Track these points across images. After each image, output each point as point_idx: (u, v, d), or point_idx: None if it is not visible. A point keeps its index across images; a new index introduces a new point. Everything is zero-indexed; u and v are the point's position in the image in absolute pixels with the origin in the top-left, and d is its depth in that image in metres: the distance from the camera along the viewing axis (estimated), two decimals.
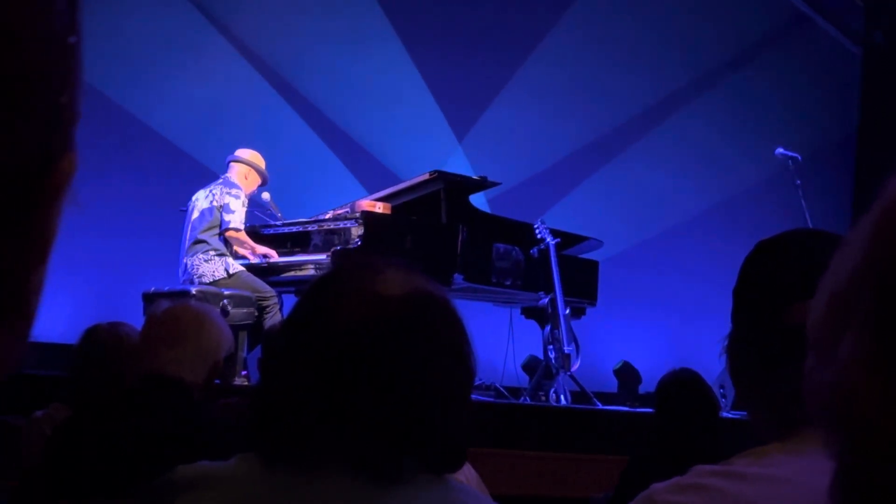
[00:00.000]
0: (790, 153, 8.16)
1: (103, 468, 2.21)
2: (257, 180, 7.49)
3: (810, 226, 7.65)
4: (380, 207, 7.25)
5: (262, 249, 7.31)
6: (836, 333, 0.62)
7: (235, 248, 7.28)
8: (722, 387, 7.32)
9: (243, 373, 6.84)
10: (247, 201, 7.32)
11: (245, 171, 7.44)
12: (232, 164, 7.49)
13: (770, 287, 1.48)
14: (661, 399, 4.37)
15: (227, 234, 7.17)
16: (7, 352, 0.53)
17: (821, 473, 0.67)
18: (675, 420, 4.28)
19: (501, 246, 7.53)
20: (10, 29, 0.49)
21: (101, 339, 3.71)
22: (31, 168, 0.51)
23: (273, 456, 1.42)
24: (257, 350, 7.00)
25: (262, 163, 7.53)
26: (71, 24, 0.54)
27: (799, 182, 8.02)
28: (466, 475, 2.72)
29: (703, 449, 4.03)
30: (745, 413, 1.59)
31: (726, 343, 1.55)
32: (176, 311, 2.82)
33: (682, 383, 4.34)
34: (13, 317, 0.52)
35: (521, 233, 7.72)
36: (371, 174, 9.62)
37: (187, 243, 7.24)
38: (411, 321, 1.41)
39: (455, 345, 1.44)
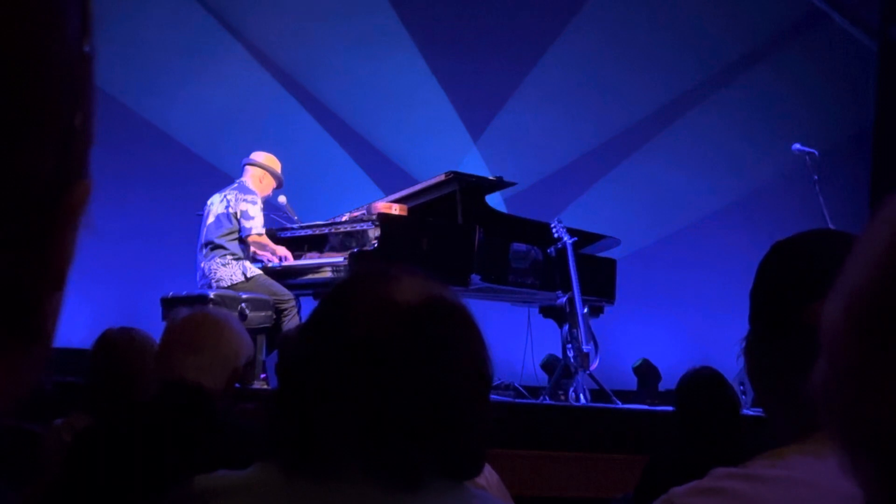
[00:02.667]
0: (807, 149, 8.12)
1: (123, 477, 2.22)
2: (272, 183, 7.49)
3: (828, 221, 7.63)
4: (396, 209, 7.25)
5: (281, 251, 7.33)
6: (854, 344, 0.61)
7: (255, 250, 7.29)
8: (742, 384, 7.29)
9: (262, 376, 6.85)
10: (262, 205, 7.33)
11: (260, 174, 7.44)
12: (247, 167, 7.48)
13: (787, 288, 1.48)
14: (682, 397, 4.36)
15: (250, 239, 7.18)
16: (24, 375, 0.53)
17: (839, 476, 0.67)
18: (695, 418, 4.27)
19: (518, 246, 7.52)
20: (18, 45, 0.48)
21: (112, 345, 3.72)
22: (45, 195, 0.50)
23: (291, 463, 1.42)
24: (276, 353, 7.01)
25: (277, 166, 7.53)
26: (83, 37, 0.53)
27: (816, 178, 7.99)
28: (487, 478, 2.72)
29: (724, 447, 4.02)
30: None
31: (744, 345, 1.55)
32: (196, 318, 2.83)
33: (703, 381, 4.33)
34: (30, 341, 0.52)
35: (538, 232, 7.71)
36: (387, 176, 9.62)
37: (203, 248, 7.25)
38: (428, 328, 1.41)
39: (471, 351, 1.44)
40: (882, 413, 0.59)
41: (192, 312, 2.90)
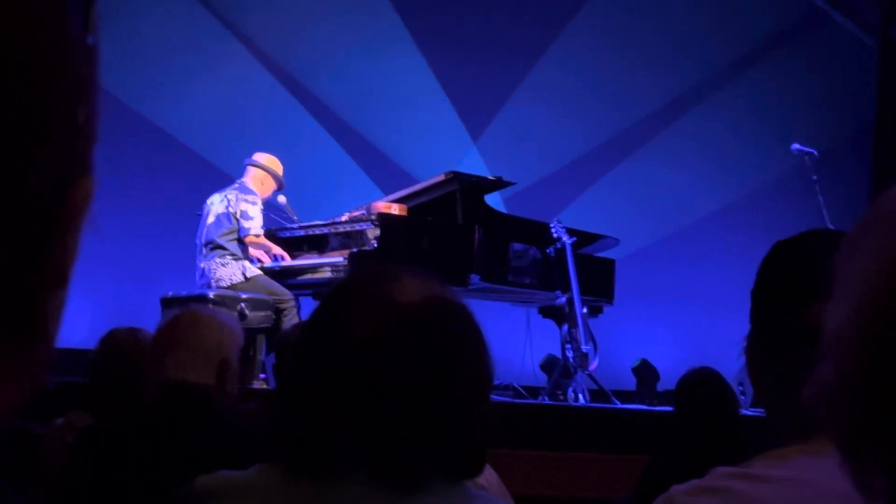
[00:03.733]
0: (806, 149, 8.12)
1: (125, 477, 2.23)
2: (273, 185, 7.48)
3: (827, 221, 7.63)
4: (395, 209, 7.24)
5: (277, 249, 7.33)
6: (863, 350, 0.61)
7: (252, 251, 7.29)
8: (741, 384, 7.29)
9: (262, 376, 6.85)
10: (262, 206, 7.33)
11: (261, 175, 7.43)
12: (248, 167, 7.48)
13: (788, 288, 1.47)
14: (681, 398, 4.36)
15: (248, 239, 7.18)
16: (27, 376, 0.53)
17: (842, 476, 0.67)
18: (694, 419, 4.27)
19: (518, 245, 7.52)
20: (18, 38, 0.47)
21: (117, 345, 3.72)
22: (48, 193, 0.50)
23: (293, 465, 1.42)
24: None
25: (279, 168, 7.52)
26: (86, 28, 0.52)
27: (816, 177, 7.99)
28: (487, 478, 2.72)
29: (724, 447, 4.02)
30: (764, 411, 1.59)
31: (745, 344, 1.55)
32: (175, 316, 2.90)
33: (702, 382, 4.34)
34: (32, 341, 0.52)
35: (537, 232, 7.70)
36: (386, 176, 9.62)
37: (203, 248, 7.25)
38: (429, 328, 1.41)
39: (473, 351, 1.44)
40: (891, 419, 0.59)
41: (176, 312, 2.97)
